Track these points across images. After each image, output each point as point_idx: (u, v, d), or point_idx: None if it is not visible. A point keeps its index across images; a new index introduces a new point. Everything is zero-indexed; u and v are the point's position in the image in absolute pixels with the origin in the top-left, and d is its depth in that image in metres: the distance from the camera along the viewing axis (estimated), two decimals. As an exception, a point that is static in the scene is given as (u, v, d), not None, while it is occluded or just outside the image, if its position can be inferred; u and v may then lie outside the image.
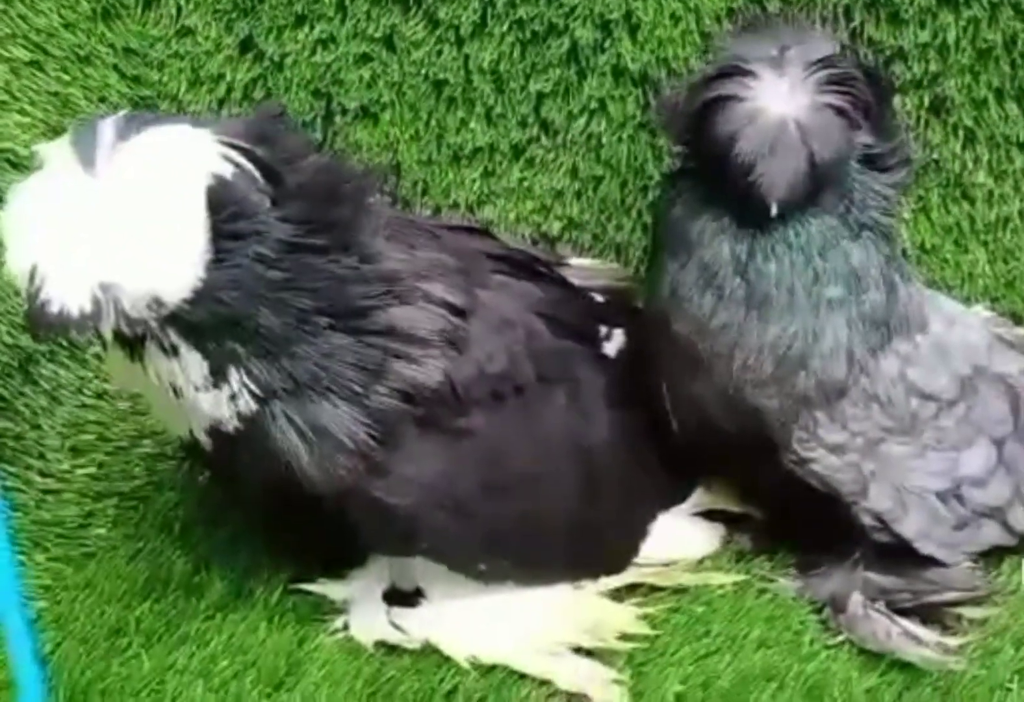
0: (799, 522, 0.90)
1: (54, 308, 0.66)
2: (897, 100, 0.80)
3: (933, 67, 1.00)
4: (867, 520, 0.86)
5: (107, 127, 0.69)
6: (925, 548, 0.87)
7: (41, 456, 0.99)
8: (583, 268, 1.01)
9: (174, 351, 0.73)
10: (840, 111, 0.77)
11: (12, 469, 0.97)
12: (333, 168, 0.78)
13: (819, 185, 0.77)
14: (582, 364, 0.89)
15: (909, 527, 0.87)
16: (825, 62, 0.78)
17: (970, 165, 1.03)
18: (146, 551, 0.94)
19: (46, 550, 0.94)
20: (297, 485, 0.77)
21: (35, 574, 0.92)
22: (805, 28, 0.82)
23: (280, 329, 0.73)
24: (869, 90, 0.78)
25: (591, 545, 0.88)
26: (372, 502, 0.79)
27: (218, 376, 0.74)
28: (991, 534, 0.90)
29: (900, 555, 0.88)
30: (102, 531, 0.96)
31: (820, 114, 0.76)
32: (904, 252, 1.03)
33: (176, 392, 0.75)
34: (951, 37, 0.99)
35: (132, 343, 0.73)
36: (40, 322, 0.66)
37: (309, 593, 0.90)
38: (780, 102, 0.76)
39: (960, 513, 0.88)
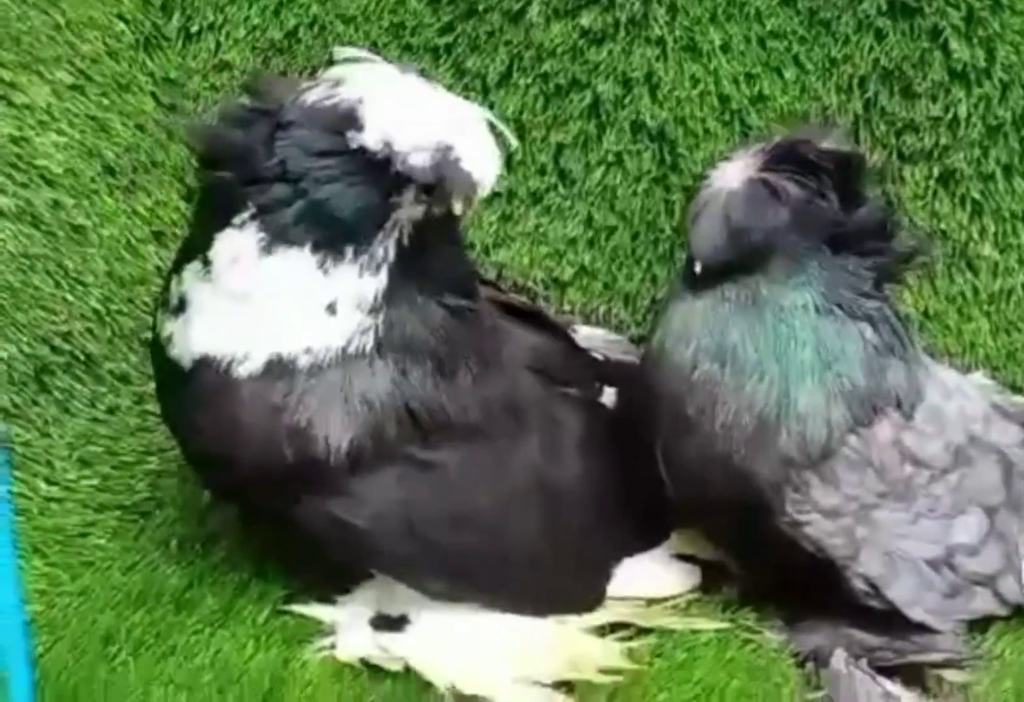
0: (789, 581, 0.91)
1: (465, 167, 0.76)
2: (874, 189, 0.84)
3: (943, 140, 1.03)
4: (858, 585, 0.87)
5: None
6: (915, 615, 0.88)
7: (48, 464, 1.01)
8: (590, 337, 1.02)
9: (376, 267, 0.79)
10: (767, 185, 0.82)
11: (19, 475, 0.99)
12: None
13: (745, 251, 0.82)
14: (566, 408, 0.91)
15: (900, 593, 0.87)
16: (781, 145, 0.84)
17: (976, 237, 1.05)
18: (142, 564, 0.95)
19: (45, 556, 0.96)
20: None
21: (32, 578, 0.93)
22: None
23: None
24: (835, 175, 0.82)
25: (552, 582, 0.89)
26: (330, 518, 0.81)
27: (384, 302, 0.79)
28: (982, 603, 0.90)
29: (889, 617, 0.88)
30: (101, 541, 0.97)
31: (748, 186, 0.82)
32: (907, 318, 1.05)
33: (332, 309, 0.78)
34: (962, 112, 1.02)
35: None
36: (458, 176, 0.76)
37: (298, 614, 0.91)
38: (724, 178, 0.83)
39: (952, 581, 0.89)
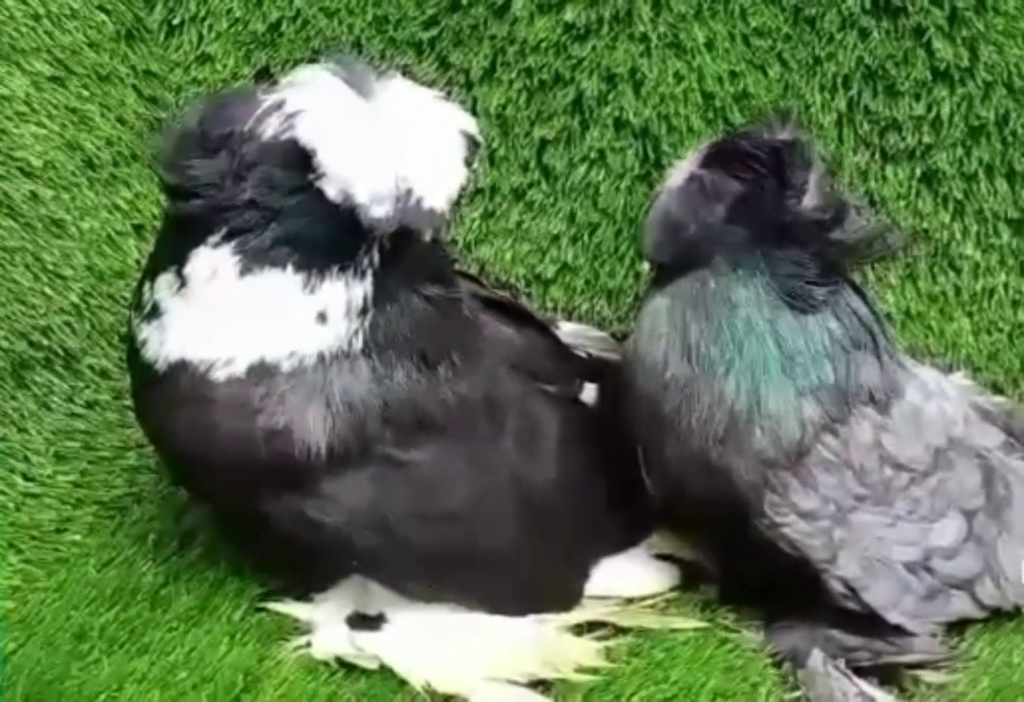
0: (768, 582, 0.91)
1: (427, 205, 0.75)
2: (821, 178, 0.84)
3: (926, 139, 1.03)
4: (836, 587, 0.87)
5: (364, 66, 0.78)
6: (893, 618, 0.88)
7: (25, 459, 1.00)
8: (573, 334, 1.02)
9: (361, 274, 0.79)
10: (702, 181, 0.84)
11: (-4, 470, 0.99)
12: None
13: (685, 246, 0.84)
14: (544, 405, 0.91)
15: (877, 596, 0.87)
16: (720, 141, 0.85)
17: (958, 236, 1.06)
18: (118, 560, 0.94)
19: (20, 552, 0.95)
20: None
21: (6, 575, 0.93)
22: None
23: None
24: (771, 165, 0.82)
25: (528, 580, 0.89)
26: (304, 518, 0.81)
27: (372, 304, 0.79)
28: (960, 606, 0.90)
29: (866, 618, 0.88)
30: (77, 537, 0.97)
31: (685, 184, 0.84)
32: (888, 317, 1.05)
33: (323, 317, 0.79)
34: (945, 111, 1.02)
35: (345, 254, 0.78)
36: (420, 217, 0.75)
37: (274, 612, 0.91)
38: (670, 178, 0.86)
39: (929, 584, 0.89)
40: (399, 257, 0.79)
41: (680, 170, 0.85)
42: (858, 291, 0.87)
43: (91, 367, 1.06)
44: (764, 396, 0.83)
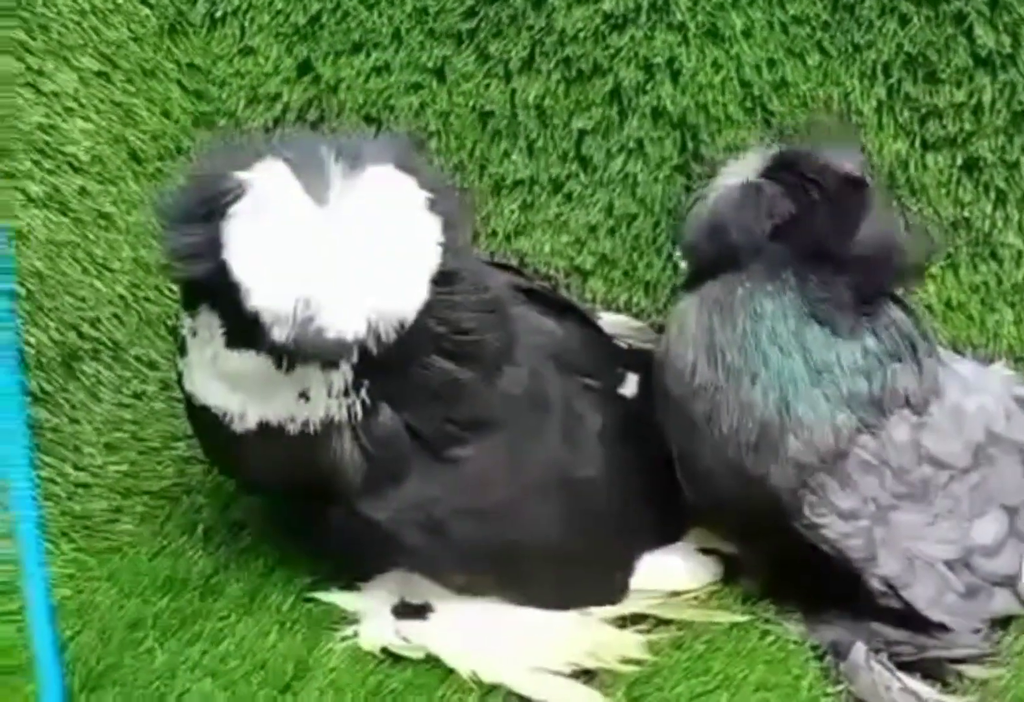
0: (808, 581, 0.91)
1: (330, 334, 0.71)
2: (876, 216, 0.84)
3: (967, 127, 1.02)
4: (876, 585, 0.87)
5: (332, 162, 0.74)
6: (934, 615, 0.88)
7: (76, 449, 1.02)
8: (613, 325, 1.02)
9: (335, 366, 0.77)
10: (759, 190, 0.83)
11: (47, 459, 1.00)
12: None
13: (723, 250, 0.83)
14: (587, 400, 0.91)
15: (918, 594, 0.87)
16: (787, 154, 0.84)
17: (1000, 225, 1.05)
18: (169, 549, 0.97)
19: (72, 541, 0.97)
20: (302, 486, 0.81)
21: (60, 564, 0.95)
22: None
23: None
24: (832, 195, 0.82)
25: (573, 575, 0.90)
26: (353, 514, 0.83)
27: (354, 389, 0.78)
28: (1002, 603, 0.90)
29: (909, 614, 0.88)
30: (129, 527, 0.99)
31: (741, 189, 0.83)
32: (929, 307, 1.05)
33: (304, 396, 0.78)
34: (986, 98, 1.01)
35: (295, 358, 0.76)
36: (314, 348, 0.72)
37: (322, 602, 0.93)
38: (724, 176, 0.85)
39: (970, 581, 0.89)
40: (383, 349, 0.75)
41: (735, 173, 0.85)
42: (897, 299, 0.87)
43: (138, 358, 1.08)
44: (793, 406, 0.84)
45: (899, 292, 0.88)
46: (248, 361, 0.78)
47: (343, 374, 0.79)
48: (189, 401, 0.85)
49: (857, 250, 0.84)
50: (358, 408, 0.80)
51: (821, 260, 0.83)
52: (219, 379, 0.81)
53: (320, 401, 0.79)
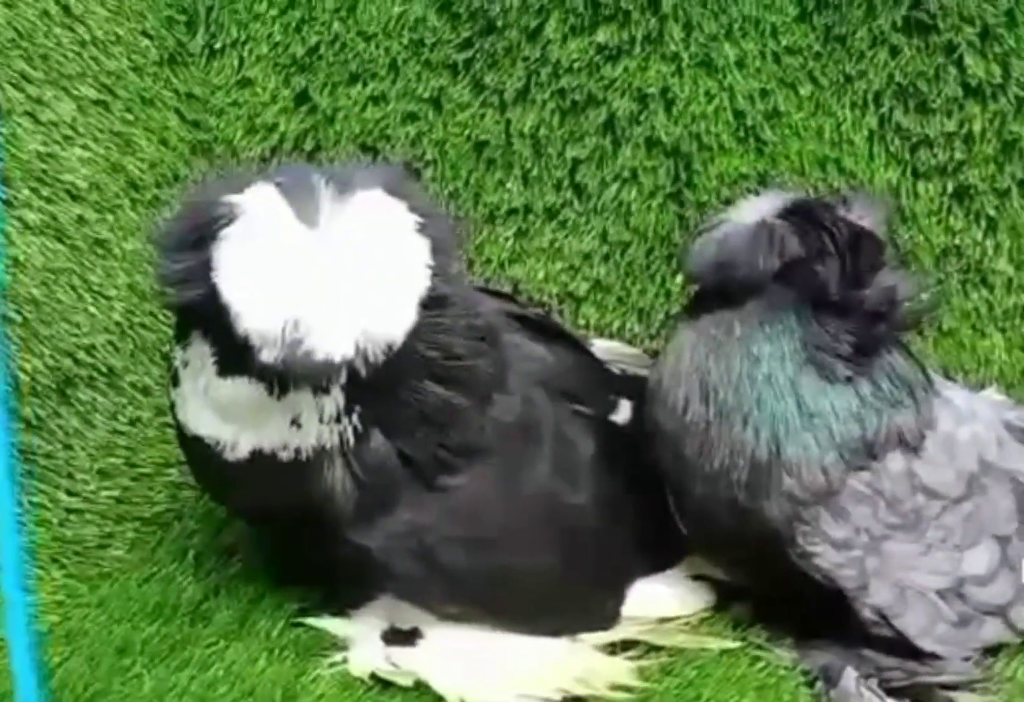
0: (800, 608, 0.91)
1: (319, 356, 0.72)
2: (886, 273, 0.85)
3: (958, 155, 1.03)
4: (868, 615, 0.87)
5: (322, 187, 0.75)
6: (926, 645, 0.87)
7: (69, 476, 1.02)
8: (606, 351, 1.02)
9: (326, 391, 0.77)
10: (772, 231, 0.83)
11: (40, 486, 1.00)
12: None
13: (725, 284, 0.83)
14: (579, 427, 0.91)
15: (909, 624, 0.87)
16: (805, 201, 0.85)
17: (991, 252, 1.05)
18: (159, 575, 0.96)
19: (63, 567, 0.97)
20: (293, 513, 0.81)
21: (50, 590, 0.94)
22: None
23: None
24: (843, 247, 0.83)
25: (564, 602, 0.90)
26: (343, 541, 0.83)
27: (346, 415, 0.78)
28: (994, 632, 0.90)
29: (900, 642, 0.88)
30: (119, 553, 0.99)
31: (754, 226, 0.83)
32: (921, 333, 1.05)
33: (296, 422, 0.78)
34: (977, 128, 1.02)
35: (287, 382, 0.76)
36: (303, 369, 0.72)
37: (311, 628, 0.92)
38: (739, 210, 0.85)
39: (962, 611, 0.88)
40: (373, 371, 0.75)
41: (751, 210, 0.85)
42: (900, 344, 0.87)
43: (133, 384, 1.08)
44: (784, 447, 0.84)
45: (899, 336, 0.88)
46: (240, 388, 0.78)
47: (334, 399, 0.79)
48: (181, 431, 0.85)
49: (863, 304, 0.84)
50: (350, 434, 0.80)
51: (825, 308, 0.84)
52: (212, 409, 0.81)
53: (312, 428, 0.79)
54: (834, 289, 0.83)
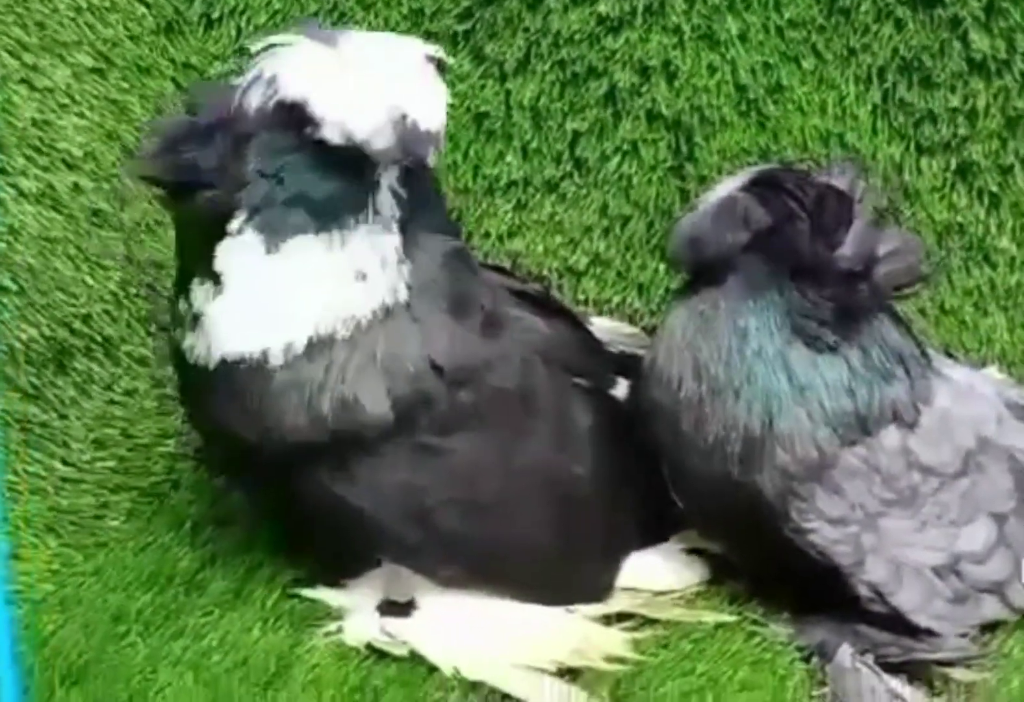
0: (796, 583, 0.91)
1: (423, 127, 0.77)
2: (862, 230, 0.84)
3: (962, 131, 1.03)
4: (863, 591, 0.87)
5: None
6: (921, 621, 0.87)
7: (65, 445, 1.02)
8: (605, 330, 1.03)
9: (384, 224, 0.80)
10: (735, 203, 0.83)
11: (36, 455, 1.00)
12: None
13: (701, 262, 0.84)
14: (578, 399, 0.91)
15: (905, 600, 0.87)
16: (767, 170, 0.86)
17: (993, 230, 1.05)
18: (155, 545, 0.96)
19: (59, 536, 0.97)
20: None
21: (45, 558, 0.95)
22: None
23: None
24: (811, 208, 0.83)
25: (559, 571, 0.90)
26: (338, 502, 0.82)
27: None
28: (990, 609, 0.90)
29: (896, 618, 0.88)
30: (115, 523, 0.99)
31: (719, 202, 0.84)
32: (923, 312, 1.05)
33: (360, 275, 0.80)
34: (981, 103, 1.01)
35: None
36: (420, 140, 0.77)
37: (306, 598, 0.92)
38: (711, 192, 0.86)
39: (958, 588, 0.88)
40: (413, 203, 0.81)
41: (720, 189, 0.86)
42: (894, 315, 0.87)
43: (129, 355, 1.08)
44: (776, 421, 0.84)
45: (893, 305, 0.88)
46: (302, 251, 0.79)
47: (393, 239, 0.80)
48: (199, 373, 0.83)
49: (840, 264, 0.84)
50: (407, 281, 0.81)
51: (802, 274, 0.84)
52: (257, 311, 0.80)
53: (377, 277, 0.80)
54: (806, 251, 0.83)
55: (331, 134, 0.77)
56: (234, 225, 0.79)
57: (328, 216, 0.79)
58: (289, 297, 0.80)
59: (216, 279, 0.81)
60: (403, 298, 0.81)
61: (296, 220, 0.79)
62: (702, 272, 0.85)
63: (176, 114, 0.83)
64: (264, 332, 0.81)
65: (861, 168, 0.87)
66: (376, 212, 0.80)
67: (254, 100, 0.78)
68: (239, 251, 0.80)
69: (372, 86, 0.77)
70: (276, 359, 0.80)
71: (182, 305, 0.84)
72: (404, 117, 0.76)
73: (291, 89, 0.77)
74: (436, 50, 0.80)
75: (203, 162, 0.79)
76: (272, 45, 0.80)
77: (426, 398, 0.82)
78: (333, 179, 0.79)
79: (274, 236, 0.79)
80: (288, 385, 0.80)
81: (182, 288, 0.84)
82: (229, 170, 0.78)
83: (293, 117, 0.77)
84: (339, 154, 0.78)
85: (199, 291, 0.82)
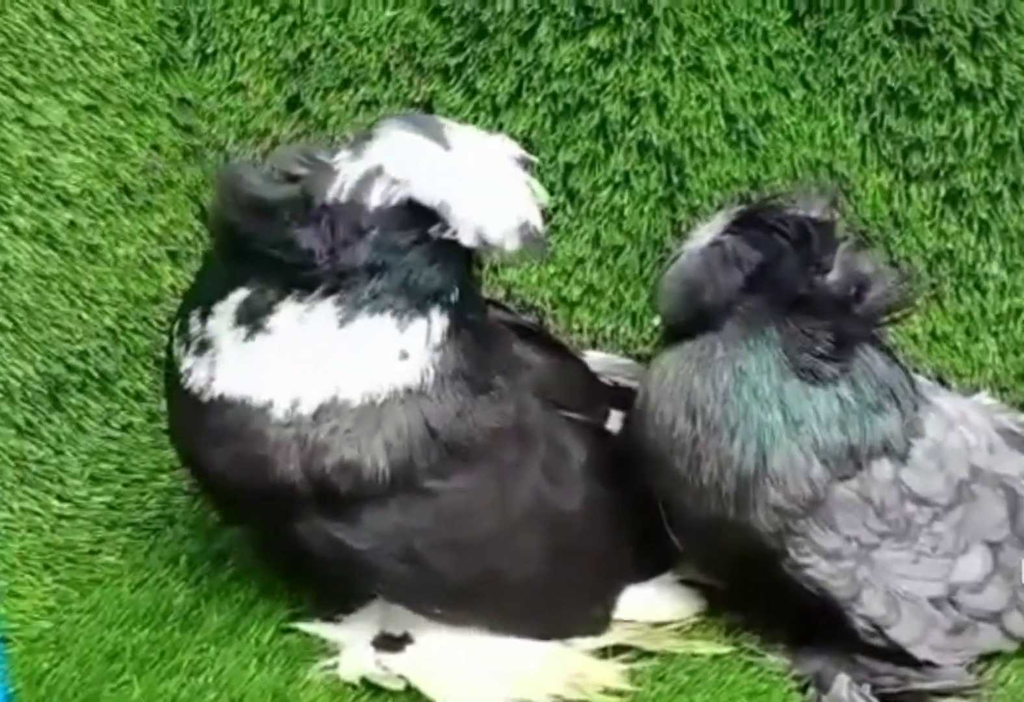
0: (793, 614, 0.91)
1: (540, 231, 0.81)
2: (846, 255, 0.85)
3: (950, 159, 1.03)
4: (861, 625, 0.87)
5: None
6: (920, 654, 0.87)
7: (60, 481, 1.02)
8: (598, 362, 1.03)
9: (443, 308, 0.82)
10: (724, 247, 0.84)
11: (31, 492, 1.00)
12: None
13: (699, 310, 0.84)
14: (571, 434, 0.91)
15: (903, 633, 0.87)
16: (745, 210, 0.86)
17: (983, 256, 1.05)
18: (150, 581, 0.96)
19: (55, 573, 0.97)
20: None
21: (41, 595, 0.94)
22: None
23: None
24: (795, 240, 0.83)
25: (554, 607, 0.90)
26: (335, 544, 0.82)
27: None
28: (989, 638, 0.90)
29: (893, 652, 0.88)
30: (111, 559, 0.98)
31: (707, 248, 0.84)
32: (914, 338, 1.05)
33: (404, 354, 0.81)
34: (968, 131, 1.02)
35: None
36: (538, 243, 0.81)
37: (301, 634, 0.92)
38: (692, 239, 0.87)
39: (956, 618, 0.88)
40: (462, 287, 0.83)
41: (703, 233, 0.86)
42: (881, 347, 0.87)
43: (125, 390, 1.08)
44: (770, 458, 0.84)
45: (879, 337, 0.88)
46: (370, 329, 0.80)
47: (444, 322, 0.82)
48: (191, 401, 0.82)
49: (832, 289, 0.84)
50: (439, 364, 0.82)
51: (798, 306, 0.84)
52: (286, 366, 0.80)
53: (418, 357, 0.81)
54: (801, 282, 0.83)
55: (466, 238, 0.79)
56: (313, 296, 0.80)
57: (413, 304, 0.81)
58: (324, 360, 0.81)
59: (256, 327, 0.81)
60: (429, 381, 0.82)
61: (385, 303, 0.80)
62: (697, 322, 0.86)
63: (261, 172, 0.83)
64: (278, 383, 0.81)
65: (827, 192, 0.87)
66: (449, 298, 0.82)
67: (375, 198, 0.79)
68: (305, 319, 0.80)
69: (499, 191, 0.80)
70: (279, 412, 0.80)
71: (193, 327, 0.83)
72: (527, 224, 0.80)
73: (423, 192, 0.78)
74: (519, 149, 0.83)
75: (304, 241, 0.79)
76: (374, 134, 0.80)
77: (425, 456, 0.82)
78: (440, 272, 0.81)
79: (354, 313, 0.80)
80: (289, 439, 0.80)
81: (198, 311, 0.83)
82: (333, 255, 0.79)
83: (418, 216, 0.79)
84: (455, 253, 0.80)
85: (223, 327, 0.82)
